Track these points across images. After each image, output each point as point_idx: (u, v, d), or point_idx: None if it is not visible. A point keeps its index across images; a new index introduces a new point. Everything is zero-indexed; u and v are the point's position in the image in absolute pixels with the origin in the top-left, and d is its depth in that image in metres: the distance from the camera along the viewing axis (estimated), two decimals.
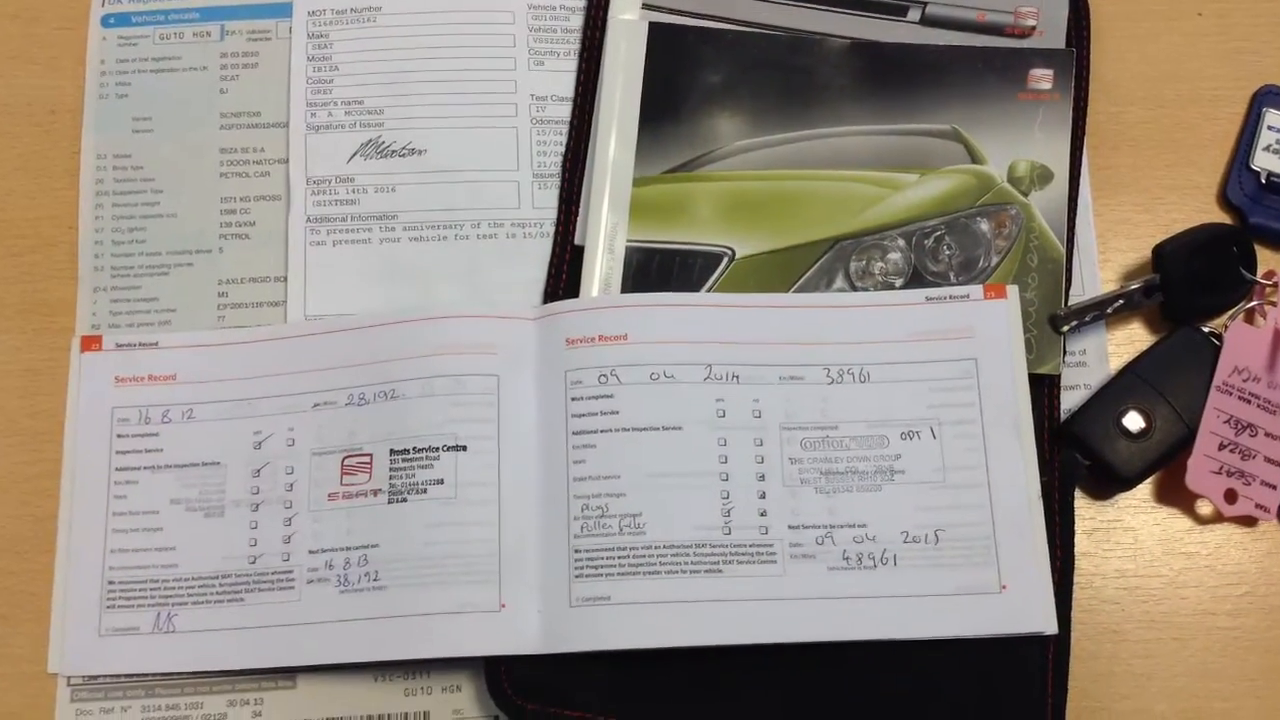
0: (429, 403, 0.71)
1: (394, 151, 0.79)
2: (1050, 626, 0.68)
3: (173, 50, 0.81)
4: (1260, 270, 0.76)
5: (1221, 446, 0.72)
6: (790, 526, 0.69)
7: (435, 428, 0.71)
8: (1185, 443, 0.72)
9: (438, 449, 0.71)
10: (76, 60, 0.81)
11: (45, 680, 0.71)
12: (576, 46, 0.81)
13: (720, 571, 0.68)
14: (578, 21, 0.81)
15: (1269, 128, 0.79)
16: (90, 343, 0.75)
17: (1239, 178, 0.79)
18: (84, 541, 0.71)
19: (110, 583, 0.71)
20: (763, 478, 0.70)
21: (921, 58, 0.78)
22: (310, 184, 0.78)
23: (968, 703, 0.69)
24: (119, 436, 0.73)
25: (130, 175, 0.79)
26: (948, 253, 0.75)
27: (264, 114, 0.80)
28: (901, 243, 0.75)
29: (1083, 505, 0.74)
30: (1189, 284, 0.74)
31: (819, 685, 0.69)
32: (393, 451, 0.71)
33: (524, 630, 0.68)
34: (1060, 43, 0.78)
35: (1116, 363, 0.76)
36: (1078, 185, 0.76)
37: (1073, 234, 0.76)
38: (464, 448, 0.71)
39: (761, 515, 0.70)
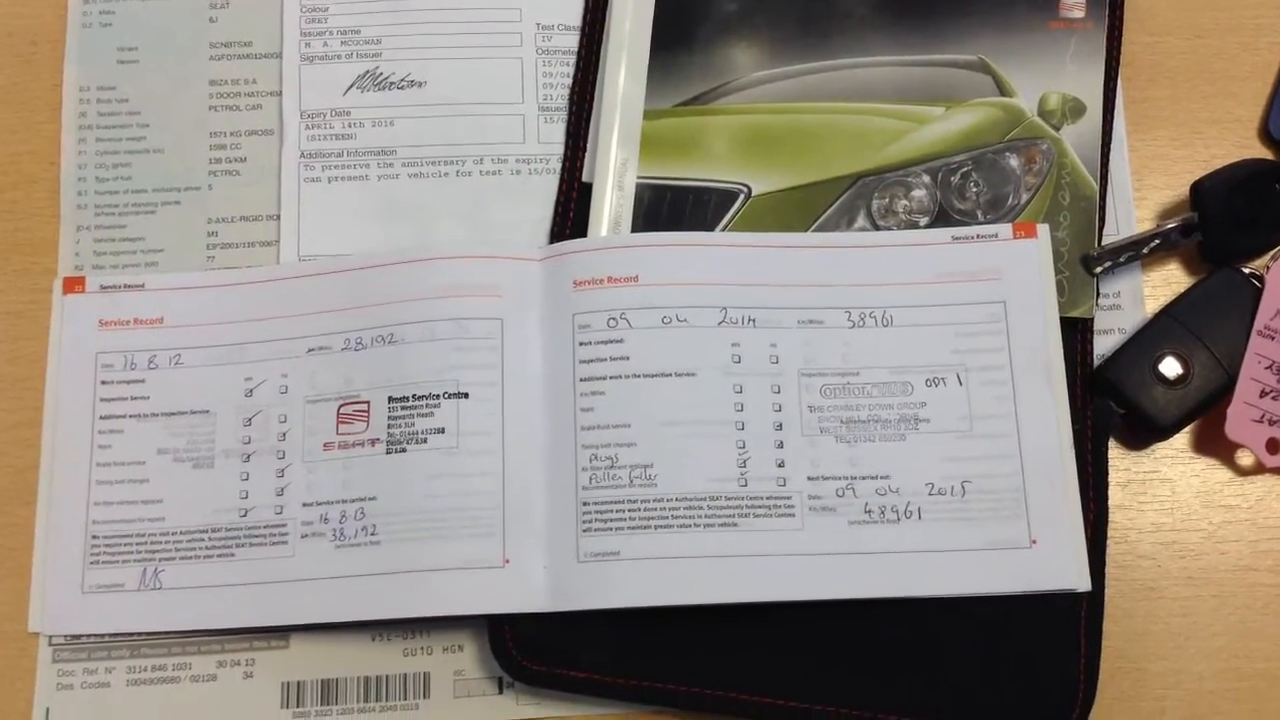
0: (429, 348, 0.68)
1: (392, 83, 0.75)
2: (1083, 583, 0.66)
3: None
4: None
5: (1263, 394, 0.69)
6: (809, 478, 0.67)
7: (436, 374, 0.68)
8: (1225, 390, 0.69)
9: (438, 396, 0.68)
10: None
11: (25, 640, 0.68)
12: None
13: (735, 525, 0.66)
14: None
15: None
16: (73, 284, 0.71)
17: None
18: (66, 493, 0.68)
19: (94, 537, 0.68)
20: (780, 426, 0.67)
21: None
22: (304, 118, 0.75)
23: (996, 664, 0.66)
24: (103, 383, 0.70)
25: (115, 109, 0.75)
26: (975, 190, 0.72)
27: (255, 44, 0.76)
28: (926, 179, 0.72)
29: (1117, 455, 0.71)
30: (1229, 222, 0.71)
31: (839, 644, 0.66)
32: (391, 399, 0.68)
33: (529, 587, 0.66)
34: None
35: (1152, 306, 0.73)
36: (1112, 119, 0.74)
37: (1106, 170, 0.73)
38: (466, 395, 0.68)
39: (779, 466, 0.67)
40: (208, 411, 0.69)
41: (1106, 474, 0.68)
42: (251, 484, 0.68)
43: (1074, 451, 0.67)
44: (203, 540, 0.67)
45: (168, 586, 0.67)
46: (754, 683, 0.66)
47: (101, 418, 0.69)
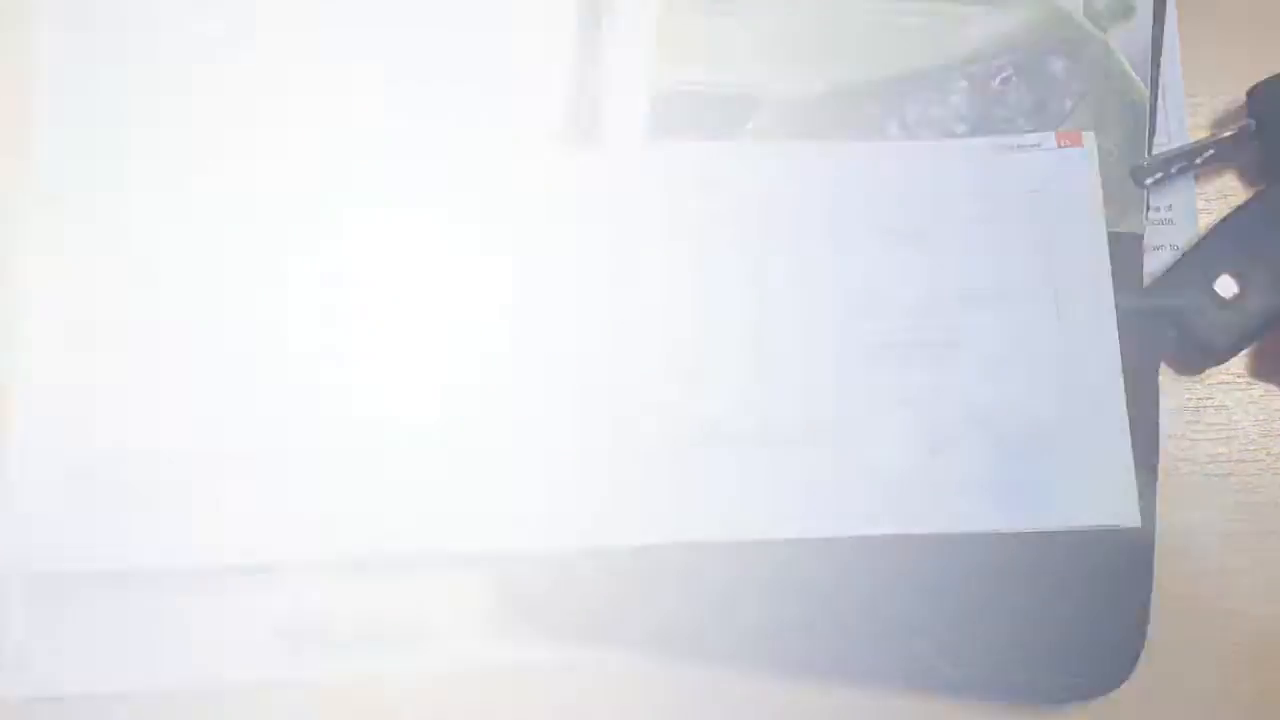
0: None
1: None
2: (1132, 519, 0.62)
3: None
4: None
5: None
6: (837, 404, 0.63)
7: None
8: None
9: None
10: None
11: None
12: None
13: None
14: None
15: None
16: None
17: None
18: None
19: None
20: (805, 349, 0.64)
21: None
22: None
23: (1037, 607, 0.62)
24: None
25: None
26: (1016, 96, 0.69)
27: None
28: (963, 84, 0.69)
29: (1168, 381, 0.67)
30: None
31: (867, 586, 0.62)
32: None
33: None
34: None
35: (1206, 220, 0.69)
36: (1163, 19, 0.70)
37: (1157, 75, 0.69)
38: None
39: (804, 391, 0.63)
40: None
41: (1157, 401, 0.65)
42: None
43: (1122, 377, 0.63)
44: None
45: None
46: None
47: None
